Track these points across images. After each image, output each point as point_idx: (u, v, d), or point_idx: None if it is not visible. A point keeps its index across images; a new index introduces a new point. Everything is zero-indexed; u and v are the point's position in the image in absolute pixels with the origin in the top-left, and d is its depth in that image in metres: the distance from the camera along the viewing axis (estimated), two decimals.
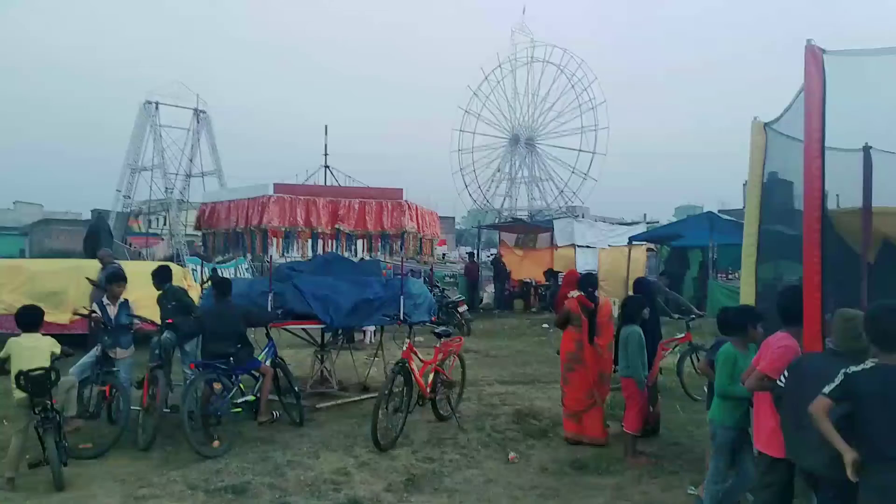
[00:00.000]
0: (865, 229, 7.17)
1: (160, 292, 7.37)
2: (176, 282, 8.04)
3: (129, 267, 9.73)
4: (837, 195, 7.85)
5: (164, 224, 42.88)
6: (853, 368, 3.23)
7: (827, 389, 3.22)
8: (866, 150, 6.83)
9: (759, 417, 4.10)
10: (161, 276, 7.53)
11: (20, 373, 5.17)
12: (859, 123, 6.68)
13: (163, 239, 40.38)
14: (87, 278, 9.70)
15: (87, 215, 47.16)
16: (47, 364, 5.30)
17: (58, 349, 5.48)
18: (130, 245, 35.06)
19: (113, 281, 6.97)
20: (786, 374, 3.72)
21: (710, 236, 16.59)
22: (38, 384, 5.19)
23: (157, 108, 38.66)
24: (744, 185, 6.59)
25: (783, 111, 5.19)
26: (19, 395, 5.25)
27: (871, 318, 3.35)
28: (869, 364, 3.21)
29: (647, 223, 24.15)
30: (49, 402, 5.32)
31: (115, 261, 10.36)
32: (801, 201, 7.42)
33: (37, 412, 5.26)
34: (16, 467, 5.31)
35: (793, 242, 5.44)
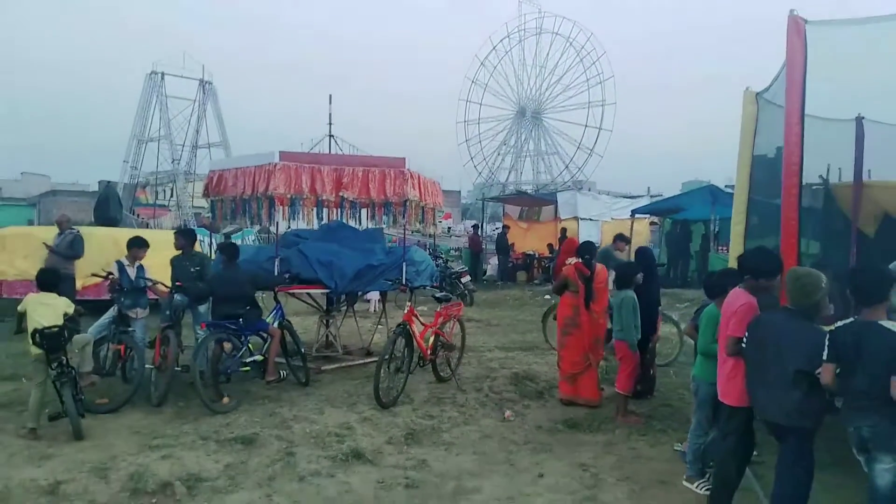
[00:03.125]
0: (856, 197, 7.38)
1: (178, 254, 7.61)
2: None
3: (143, 234, 9.94)
4: (840, 169, 8.01)
5: (171, 195, 43.18)
6: (837, 324, 3.55)
7: (825, 356, 3.52)
8: (858, 120, 7.00)
9: (719, 370, 4.35)
10: (188, 237, 7.80)
11: (35, 330, 5.47)
12: (859, 94, 6.80)
13: (170, 210, 40.71)
14: (44, 243, 9.91)
15: (95, 187, 47.51)
16: (60, 322, 5.59)
17: (71, 309, 5.78)
18: (138, 216, 35.42)
19: (135, 245, 7.22)
20: (747, 333, 3.97)
21: (712, 209, 16.75)
22: (52, 341, 5.49)
23: (162, 78, 38.71)
24: (755, 158, 6.71)
25: (772, 80, 5.33)
26: (36, 351, 5.55)
27: (850, 277, 3.74)
28: (849, 320, 3.52)
29: (651, 196, 24.24)
30: (64, 358, 5.62)
31: (74, 227, 10.51)
32: (807, 176, 7.62)
33: (53, 367, 5.55)
34: (37, 418, 5.62)
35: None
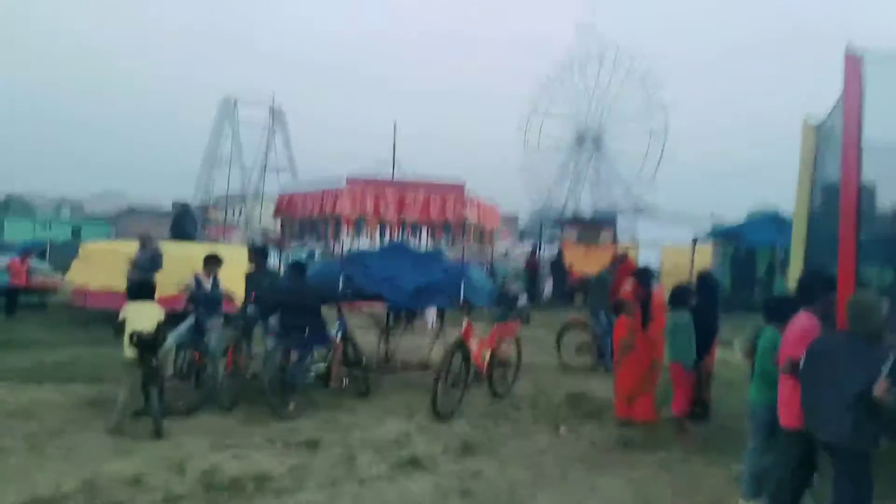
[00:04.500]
0: None
1: (252, 270, 8.08)
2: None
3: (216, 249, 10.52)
4: None
5: (240, 215, 44.93)
6: None
7: (885, 371, 3.55)
8: None
9: (779, 393, 4.38)
10: (262, 255, 8.36)
11: (133, 332, 5.96)
12: None
13: (238, 229, 42.34)
14: (130, 258, 10.56)
15: (168, 206, 49.90)
16: (154, 328, 6.07)
17: (163, 316, 6.28)
18: (208, 234, 36.98)
19: (210, 261, 7.71)
20: (805, 354, 4.01)
21: (775, 237, 16.37)
22: (147, 344, 5.97)
23: (235, 105, 40.55)
24: (821, 188, 6.73)
25: (830, 111, 5.35)
26: (130, 353, 6.03)
27: None
28: None
29: (714, 222, 23.80)
30: (155, 361, 6.08)
31: (155, 241, 11.17)
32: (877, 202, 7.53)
33: (143, 369, 6.02)
34: (123, 416, 6.09)
35: (869, 245, 5.56)
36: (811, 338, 4.09)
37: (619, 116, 44.34)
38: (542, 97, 46.23)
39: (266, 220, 43.05)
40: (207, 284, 7.60)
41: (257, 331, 8.10)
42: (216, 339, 7.53)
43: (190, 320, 7.42)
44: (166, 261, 10.80)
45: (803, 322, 4.20)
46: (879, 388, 3.53)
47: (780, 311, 4.94)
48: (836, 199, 6.40)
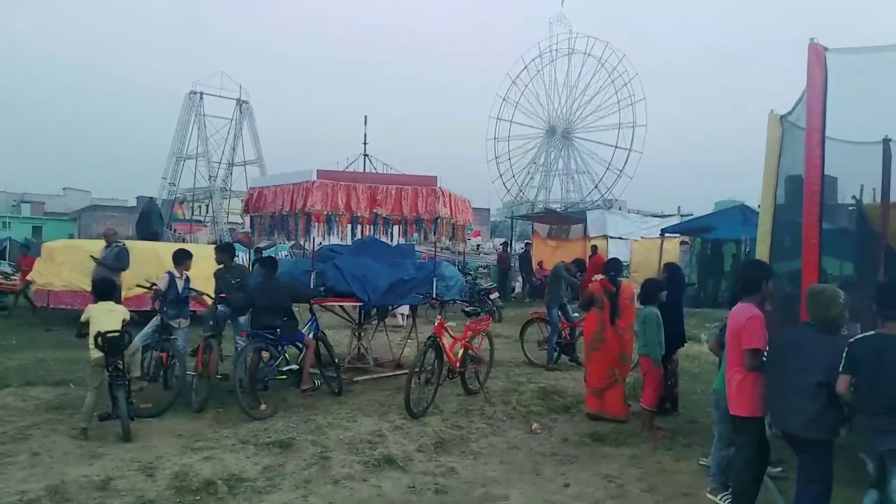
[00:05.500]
0: (883, 216, 7.46)
1: (220, 268, 7.98)
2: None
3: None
4: (874, 189, 8.07)
5: (207, 211, 44.26)
6: (855, 337, 3.70)
7: (841, 368, 3.67)
8: (886, 142, 7.09)
9: (728, 382, 4.49)
10: (228, 252, 8.27)
11: (98, 333, 5.83)
12: (887, 116, 6.89)
13: (206, 225, 41.71)
14: (92, 256, 10.35)
15: (133, 202, 48.93)
16: (120, 328, 5.95)
17: (128, 315, 6.16)
18: (175, 231, 36.37)
19: (183, 258, 7.60)
20: (767, 346, 4.11)
21: (743, 229, 16.67)
22: (112, 345, 5.85)
23: (201, 97, 39.86)
24: (785, 179, 6.87)
25: (795, 103, 5.47)
26: (96, 354, 5.90)
27: (876, 290, 3.96)
28: (870, 333, 3.68)
29: (682, 216, 24.16)
30: (121, 362, 5.97)
31: (120, 241, 10.99)
32: (843, 197, 7.70)
33: (110, 371, 5.90)
34: (89, 420, 5.96)
35: (829, 237, 5.69)
36: (762, 327, 4.21)
37: (591, 109, 44.82)
38: (513, 87, 46.49)
39: (234, 215, 42.56)
40: (180, 283, 7.48)
41: (227, 330, 8.02)
42: (183, 340, 7.43)
43: (156, 320, 7.29)
44: (133, 259, 10.60)
45: (748, 311, 4.30)
46: (841, 385, 3.63)
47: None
48: (801, 191, 6.58)
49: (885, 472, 3.54)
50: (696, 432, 6.56)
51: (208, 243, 26.35)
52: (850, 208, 8.08)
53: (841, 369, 3.65)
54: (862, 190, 8.08)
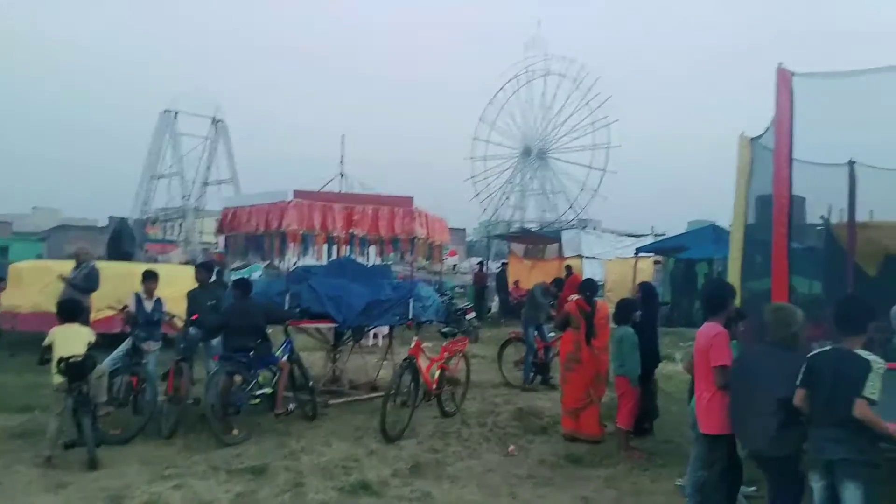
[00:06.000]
0: (850, 236, 7.65)
1: (195, 288, 7.86)
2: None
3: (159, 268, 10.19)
4: (841, 210, 8.28)
5: (180, 231, 43.69)
6: (814, 351, 3.76)
7: (798, 381, 3.72)
8: (851, 165, 7.30)
9: (697, 402, 4.54)
10: (209, 272, 8.16)
11: (61, 359, 5.67)
12: (853, 139, 7.10)
13: (178, 245, 41.12)
14: (61, 276, 10.09)
15: (104, 221, 48.08)
16: (84, 351, 5.80)
17: (93, 338, 6.02)
18: (147, 251, 35.80)
19: (149, 278, 7.46)
20: (732, 365, 4.19)
21: (715, 248, 16.91)
22: (76, 369, 5.69)
23: (175, 116, 39.52)
24: (755, 199, 7.01)
25: (766, 128, 5.59)
26: (58, 379, 5.74)
27: (836, 306, 3.96)
28: (827, 347, 3.77)
29: (655, 235, 24.45)
30: (85, 387, 5.80)
31: (92, 260, 10.73)
32: (811, 217, 7.85)
33: (74, 396, 5.73)
34: (54, 447, 5.78)
35: (798, 256, 5.82)
36: (727, 343, 4.30)
37: (565, 130, 45.33)
38: (490, 108, 46.91)
39: (207, 235, 42.07)
40: (148, 304, 7.34)
41: (199, 353, 7.88)
42: (154, 363, 7.28)
43: (127, 343, 7.14)
44: (103, 280, 10.38)
45: (713, 329, 4.37)
46: (797, 398, 3.68)
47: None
48: (770, 211, 6.73)
49: (832, 486, 3.57)
50: (673, 452, 6.57)
51: (180, 263, 25.99)
52: (818, 228, 8.28)
53: (798, 383, 3.71)
54: (830, 210, 8.29)
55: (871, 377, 3.45)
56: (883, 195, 7.76)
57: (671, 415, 7.98)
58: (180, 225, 44.42)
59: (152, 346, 7.28)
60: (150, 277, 7.55)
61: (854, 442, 3.50)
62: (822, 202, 7.96)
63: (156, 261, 30.85)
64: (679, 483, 5.57)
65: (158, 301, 7.43)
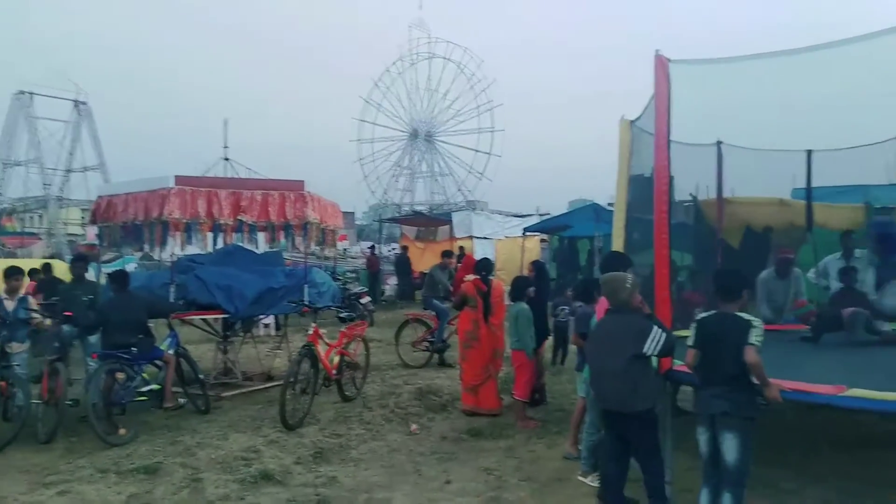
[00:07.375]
0: (719, 212, 8.34)
1: (69, 283, 7.35)
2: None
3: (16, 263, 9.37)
4: (707, 187, 8.96)
5: (41, 222, 40.15)
6: (701, 315, 4.11)
7: (689, 342, 4.09)
8: (718, 144, 7.93)
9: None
10: (82, 264, 7.69)
11: None
12: (721, 122, 7.69)
13: (40, 238, 37.78)
14: None
15: None
16: None
17: None
18: (3, 245, 32.66)
19: (11, 275, 6.84)
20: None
21: (596, 226, 17.82)
22: None
23: (31, 98, 36.11)
24: (630, 178, 7.44)
25: (643, 111, 5.93)
26: None
27: (714, 278, 4.40)
28: (712, 312, 4.14)
29: (540, 215, 25.34)
30: None
31: None
32: (679, 194, 8.42)
33: None
34: None
35: (672, 231, 6.24)
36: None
37: (451, 113, 45.79)
38: (375, 90, 46.45)
39: (73, 227, 38.96)
40: (10, 304, 6.73)
41: (76, 352, 7.35)
42: (23, 364, 6.71)
43: None
44: None
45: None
46: (688, 357, 4.06)
47: (589, 294, 5.55)
48: (646, 190, 7.17)
49: (714, 438, 3.94)
50: (565, 420, 6.90)
51: (44, 258, 23.93)
52: (686, 205, 8.94)
53: (689, 343, 4.07)
54: (697, 188, 8.97)
55: (753, 330, 3.84)
56: (742, 173, 8.53)
57: (560, 385, 8.41)
58: (40, 216, 40.83)
59: (17, 348, 6.69)
60: (12, 273, 6.94)
61: (734, 398, 3.87)
62: (689, 181, 8.60)
63: (14, 255, 28.21)
64: (567, 455, 5.83)
65: (24, 299, 6.84)
